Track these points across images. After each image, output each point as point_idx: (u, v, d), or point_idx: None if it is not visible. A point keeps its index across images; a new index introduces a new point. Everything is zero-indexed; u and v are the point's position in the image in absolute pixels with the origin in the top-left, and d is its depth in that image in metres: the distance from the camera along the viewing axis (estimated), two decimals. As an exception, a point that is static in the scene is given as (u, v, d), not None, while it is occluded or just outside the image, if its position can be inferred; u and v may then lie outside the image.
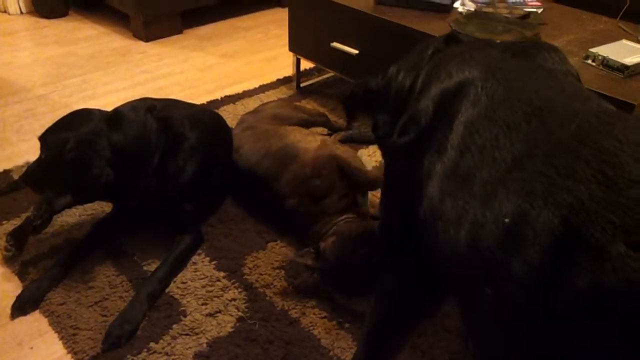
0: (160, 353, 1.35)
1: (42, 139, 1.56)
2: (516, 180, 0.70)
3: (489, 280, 0.71)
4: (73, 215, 1.79)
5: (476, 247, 0.72)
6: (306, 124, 2.00)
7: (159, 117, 1.66)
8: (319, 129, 2.11)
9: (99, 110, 1.61)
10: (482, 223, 0.72)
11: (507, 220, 0.69)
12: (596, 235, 0.60)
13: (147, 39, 3.05)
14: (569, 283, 0.61)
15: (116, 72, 2.75)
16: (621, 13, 2.02)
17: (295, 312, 1.47)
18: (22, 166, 1.97)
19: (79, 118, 1.57)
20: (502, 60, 0.94)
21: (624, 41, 1.76)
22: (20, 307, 1.48)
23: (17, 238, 1.65)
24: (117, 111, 1.61)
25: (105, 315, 1.46)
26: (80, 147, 1.48)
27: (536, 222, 0.65)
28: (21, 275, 1.59)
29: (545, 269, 0.64)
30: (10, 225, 1.73)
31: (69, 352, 1.37)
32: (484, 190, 0.73)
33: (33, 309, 1.49)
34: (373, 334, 1.13)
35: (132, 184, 1.58)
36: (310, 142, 1.75)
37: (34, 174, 1.58)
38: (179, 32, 3.16)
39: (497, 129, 0.78)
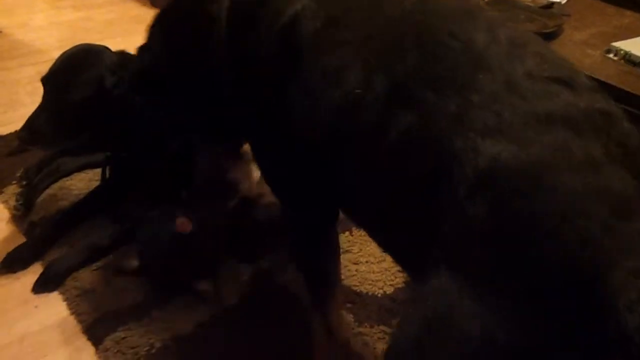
0: (163, 320, 1.37)
1: (56, 80, 1.49)
2: (359, 59, 0.87)
3: (351, 146, 0.88)
4: (82, 180, 1.80)
5: (341, 120, 0.88)
6: None
7: None
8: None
9: (103, 47, 1.58)
10: (340, 102, 0.87)
11: (358, 91, 0.84)
12: (415, 90, 0.78)
13: (165, 8, 3.03)
14: (394, 129, 0.79)
15: (132, 41, 2.70)
16: (648, 8, 1.98)
17: (294, 288, 1.48)
18: (34, 128, 1.98)
19: (90, 54, 1.53)
20: None
21: (648, 37, 1.73)
22: (8, 265, 1.50)
23: (26, 198, 1.67)
24: (124, 52, 1.59)
25: (109, 279, 1.47)
26: (121, 84, 1.45)
27: (375, 86, 0.82)
28: (28, 234, 1.60)
29: (380, 122, 0.81)
30: (20, 185, 1.74)
31: (72, 313, 1.39)
32: (337, 75, 0.88)
33: (22, 269, 1.50)
34: (320, 268, 1.20)
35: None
36: None
37: (43, 126, 1.47)
38: (197, 2, 3.14)
39: (340, 29, 0.93)
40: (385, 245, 1.01)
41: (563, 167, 0.65)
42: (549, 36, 1.77)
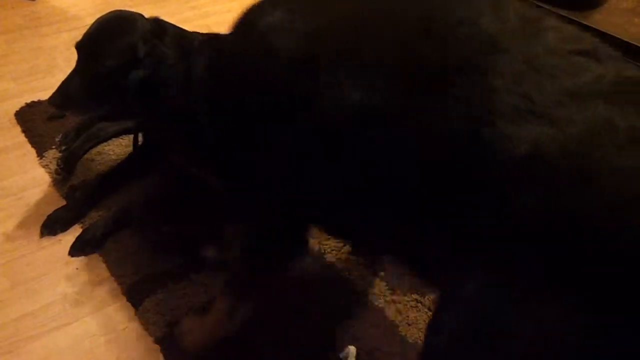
0: (201, 283, 1.40)
1: (89, 47, 1.48)
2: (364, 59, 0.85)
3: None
4: (120, 145, 1.82)
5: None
6: None
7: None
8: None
9: (137, 13, 1.55)
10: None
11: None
12: (435, 79, 0.75)
13: (198, -26, 3.01)
14: (414, 117, 0.77)
15: (165, 7, 2.73)
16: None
17: (331, 257, 1.49)
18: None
19: (124, 21, 1.50)
20: None
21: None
22: (50, 227, 1.53)
23: (66, 162, 1.70)
24: (157, 19, 1.54)
25: (148, 242, 1.50)
26: (154, 52, 1.44)
27: (393, 82, 0.80)
28: (69, 198, 1.63)
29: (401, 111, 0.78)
30: (60, 150, 1.77)
31: (112, 275, 1.43)
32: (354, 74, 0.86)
33: (62, 230, 1.54)
34: None
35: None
36: None
37: (75, 92, 1.48)
38: (231, -31, 3.11)
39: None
40: (403, 250, 0.94)
41: (608, 146, 0.59)
42: (595, 4, 1.71)
